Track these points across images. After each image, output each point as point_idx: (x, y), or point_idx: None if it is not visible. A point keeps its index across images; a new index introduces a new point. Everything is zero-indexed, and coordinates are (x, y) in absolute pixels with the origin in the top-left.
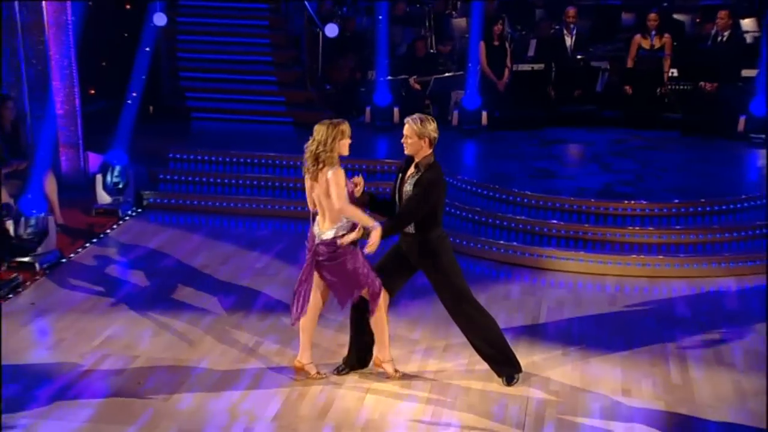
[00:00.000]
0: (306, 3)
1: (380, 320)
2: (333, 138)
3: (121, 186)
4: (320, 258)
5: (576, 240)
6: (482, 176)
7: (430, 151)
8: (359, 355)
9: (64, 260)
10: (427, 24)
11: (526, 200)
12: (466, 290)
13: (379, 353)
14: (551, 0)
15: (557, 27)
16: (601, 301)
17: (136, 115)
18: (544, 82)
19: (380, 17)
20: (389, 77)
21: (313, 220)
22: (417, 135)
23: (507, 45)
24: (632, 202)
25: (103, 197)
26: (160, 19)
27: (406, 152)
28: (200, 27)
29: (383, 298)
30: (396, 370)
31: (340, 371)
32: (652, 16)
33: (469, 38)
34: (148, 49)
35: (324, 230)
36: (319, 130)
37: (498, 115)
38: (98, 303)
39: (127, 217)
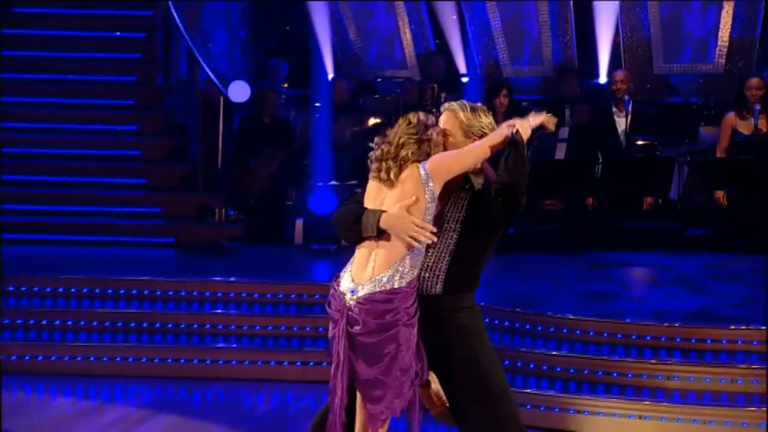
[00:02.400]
0: (199, 56)
1: None
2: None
3: None
4: (355, 329)
5: (652, 387)
6: (498, 299)
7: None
8: None
9: None
10: (391, 120)
11: (565, 330)
12: (514, 407)
13: None
14: (586, 90)
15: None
16: None
17: None
18: (583, 183)
19: (318, 104)
20: (334, 183)
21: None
22: (463, 131)
23: None
24: (744, 327)
25: None
26: None
27: None
28: (26, 108)
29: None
30: None
31: None
32: (755, 82)
33: None
34: None
35: (364, 280)
36: (413, 116)
37: (513, 231)
38: None
39: None
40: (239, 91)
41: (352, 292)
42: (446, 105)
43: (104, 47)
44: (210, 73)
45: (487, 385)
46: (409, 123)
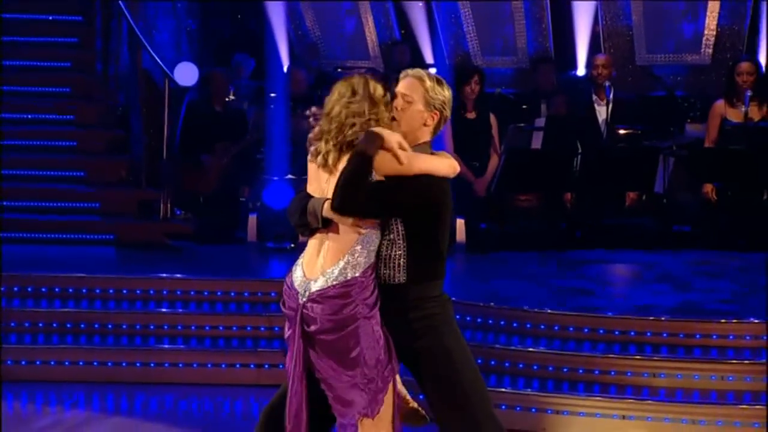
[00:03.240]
0: (142, 38)
1: None
2: (382, 99)
3: None
4: (312, 328)
5: (637, 385)
6: (471, 298)
7: (429, 139)
8: None
9: None
10: None
11: (542, 326)
12: (487, 398)
13: None
14: (564, 83)
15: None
16: None
17: None
18: (561, 176)
19: (273, 94)
20: (290, 177)
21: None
22: (425, 100)
23: (491, 117)
24: (735, 321)
25: None
26: None
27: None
28: None
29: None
30: None
31: None
32: (746, 67)
33: None
34: None
35: (316, 274)
36: (357, 83)
37: (484, 227)
38: None
39: None
40: (186, 74)
41: (305, 288)
42: (408, 71)
43: (38, 31)
44: (154, 55)
45: (458, 375)
46: (354, 94)
